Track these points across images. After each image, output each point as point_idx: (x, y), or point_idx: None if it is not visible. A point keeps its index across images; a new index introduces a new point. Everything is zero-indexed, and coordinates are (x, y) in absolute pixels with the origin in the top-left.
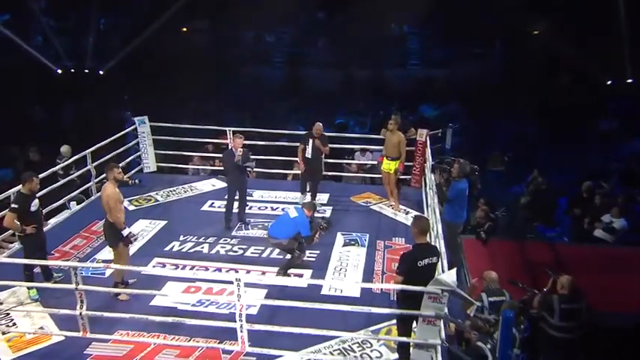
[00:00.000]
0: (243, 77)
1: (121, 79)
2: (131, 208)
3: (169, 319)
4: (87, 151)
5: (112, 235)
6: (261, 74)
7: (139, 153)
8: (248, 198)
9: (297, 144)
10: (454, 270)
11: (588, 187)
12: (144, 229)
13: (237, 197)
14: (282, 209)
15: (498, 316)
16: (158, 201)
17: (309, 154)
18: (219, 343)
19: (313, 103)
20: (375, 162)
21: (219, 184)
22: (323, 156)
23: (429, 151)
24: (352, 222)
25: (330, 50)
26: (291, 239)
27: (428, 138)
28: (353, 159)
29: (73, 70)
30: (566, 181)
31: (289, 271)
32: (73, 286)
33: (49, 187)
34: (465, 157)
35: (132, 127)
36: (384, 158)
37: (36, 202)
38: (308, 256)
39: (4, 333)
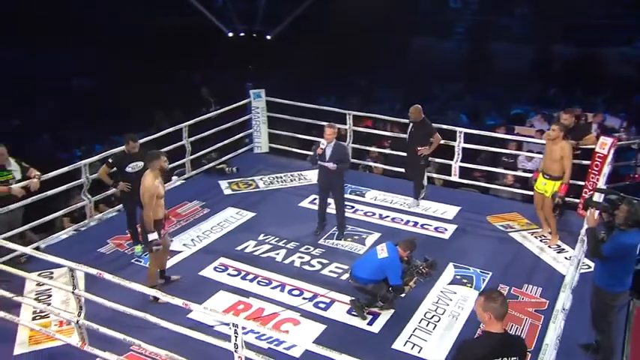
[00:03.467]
0: (409, 50)
1: (284, 45)
2: (227, 192)
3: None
4: (184, 125)
5: (143, 234)
6: (431, 47)
7: (250, 130)
8: (358, 198)
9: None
10: None
11: None
12: (227, 220)
13: (332, 195)
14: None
15: None
16: (258, 187)
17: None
18: None
19: (489, 86)
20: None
21: None
22: (425, 148)
23: (608, 168)
24: (475, 251)
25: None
26: (376, 285)
27: (613, 150)
28: (514, 165)
29: (242, 34)
30: None
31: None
32: (70, 288)
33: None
34: None
35: (246, 101)
36: (540, 174)
37: (136, 164)
38: None
39: (34, 318)
